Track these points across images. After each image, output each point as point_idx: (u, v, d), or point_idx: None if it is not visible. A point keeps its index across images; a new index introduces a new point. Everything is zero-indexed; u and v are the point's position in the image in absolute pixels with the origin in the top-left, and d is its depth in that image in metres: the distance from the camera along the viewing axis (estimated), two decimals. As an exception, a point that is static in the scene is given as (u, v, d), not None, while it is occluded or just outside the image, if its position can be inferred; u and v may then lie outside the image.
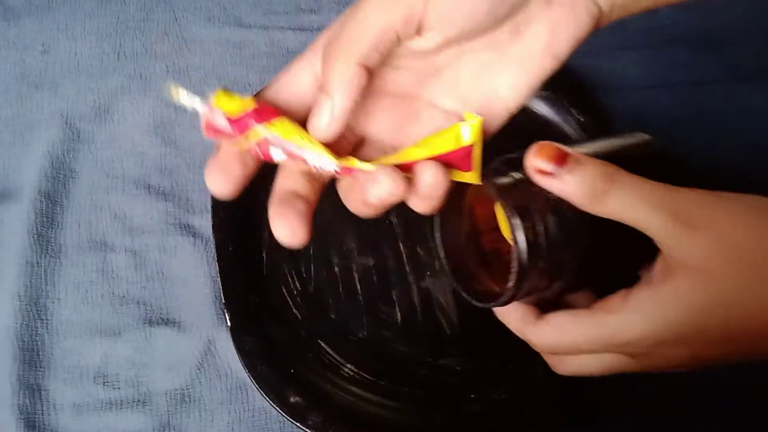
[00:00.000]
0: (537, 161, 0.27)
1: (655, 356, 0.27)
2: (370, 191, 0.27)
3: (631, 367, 0.29)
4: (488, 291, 0.31)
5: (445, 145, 0.28)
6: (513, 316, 0.30)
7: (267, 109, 0.27)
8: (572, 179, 0.26)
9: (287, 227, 0.27)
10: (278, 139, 0.27)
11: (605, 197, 0.26)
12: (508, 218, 0.27)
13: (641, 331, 0.26)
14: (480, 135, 0.28)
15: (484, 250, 0.32)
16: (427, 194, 0.27)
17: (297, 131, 0.27)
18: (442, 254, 0.32)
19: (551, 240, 0.27)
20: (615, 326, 0.27)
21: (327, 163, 0.27)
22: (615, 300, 0.28)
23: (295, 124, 0.27)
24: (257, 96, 0.29)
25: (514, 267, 0.27)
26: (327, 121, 0.27)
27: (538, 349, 0.30)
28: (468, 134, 0.28)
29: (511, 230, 0.27)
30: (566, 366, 0.30)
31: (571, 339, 0.28)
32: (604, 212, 0.26)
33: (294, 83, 0.29)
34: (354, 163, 0.27)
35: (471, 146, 0.28)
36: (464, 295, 0.31)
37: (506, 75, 0.29)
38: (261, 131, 0.27)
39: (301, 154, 0.27)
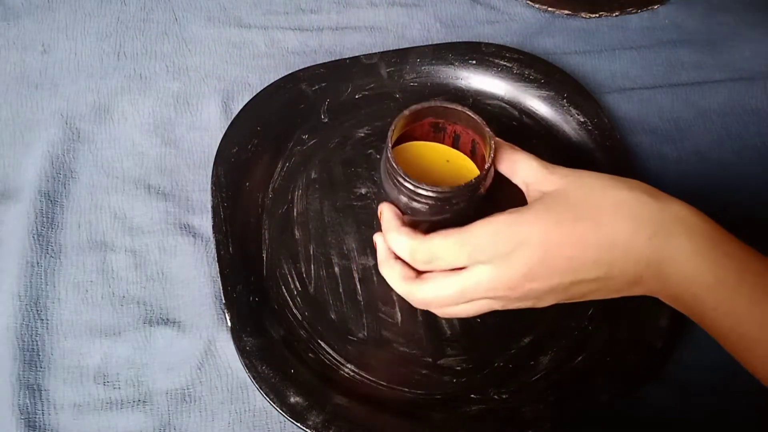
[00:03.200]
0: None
1: (518, 292, 0.34)
2: None
3: (499, 306, 0.36)
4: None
5: None
6: (395, 274, 0.37)
7: None
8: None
9: None
10: None
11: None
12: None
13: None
14: None
15: None
16: None
17: None
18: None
19: None
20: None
21: None
22: None
23: None
24: None
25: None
26: None
27: (417, 304, 0.37)
28: None
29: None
30: (445, 312, 0.37)
31: (449, 293, 0.35)
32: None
33: None
34: None
35: None
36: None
37: None
38: None
39: None
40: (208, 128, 0.49)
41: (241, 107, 0.48)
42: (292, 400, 0.37)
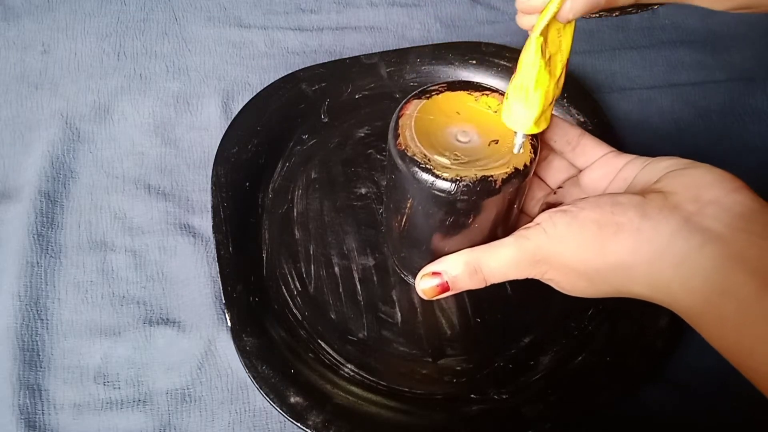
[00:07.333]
0: (424, 282, 0.34)
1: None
2: None
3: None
4: None
5: None
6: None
7: None
8: (454, 277, 0.33)
9: None
10: None
11: (481, 273, 0.33)
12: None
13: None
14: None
15: None
16: None
17: None
18: None
19: None
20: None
21: None
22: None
23: None
24: None
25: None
26: None
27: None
28: None
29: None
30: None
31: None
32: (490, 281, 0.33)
33: None
34: None
35: None
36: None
37: None
38: None
39: None
40: (208, 128, 0.49)
41: (241, 107, 0.48)
42: (292, 400, 0.37)
